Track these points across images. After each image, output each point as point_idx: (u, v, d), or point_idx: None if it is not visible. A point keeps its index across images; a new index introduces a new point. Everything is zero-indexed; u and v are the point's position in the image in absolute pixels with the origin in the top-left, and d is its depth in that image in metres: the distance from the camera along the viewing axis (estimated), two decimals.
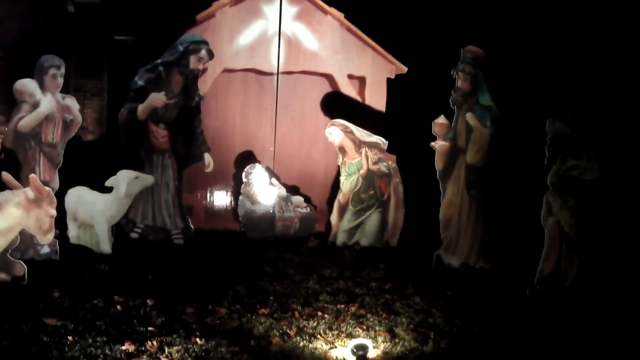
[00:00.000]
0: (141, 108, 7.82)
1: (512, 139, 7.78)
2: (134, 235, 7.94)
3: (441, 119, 7.82)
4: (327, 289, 6.25)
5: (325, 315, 5.47)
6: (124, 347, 4.49)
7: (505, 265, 7.22)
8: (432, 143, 7.85)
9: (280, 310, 5.53)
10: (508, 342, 5.09)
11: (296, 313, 5.48)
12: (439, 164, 7.87)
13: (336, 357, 4.65)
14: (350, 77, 9.42)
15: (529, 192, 7.20)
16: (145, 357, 4.39)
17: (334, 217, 8.68)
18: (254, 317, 5.27)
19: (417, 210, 8.57)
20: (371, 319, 5.43)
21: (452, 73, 7.77)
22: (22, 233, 5.92)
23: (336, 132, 8.52)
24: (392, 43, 9.59)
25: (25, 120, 6.56)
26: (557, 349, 4.98)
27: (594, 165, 6.17)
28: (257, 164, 8.99)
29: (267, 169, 9.06)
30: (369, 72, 9.42)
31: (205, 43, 8.02)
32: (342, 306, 5.74)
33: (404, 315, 5.56)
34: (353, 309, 5.67)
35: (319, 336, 4.99)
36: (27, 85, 6.68)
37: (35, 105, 6.61)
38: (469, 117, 7.58)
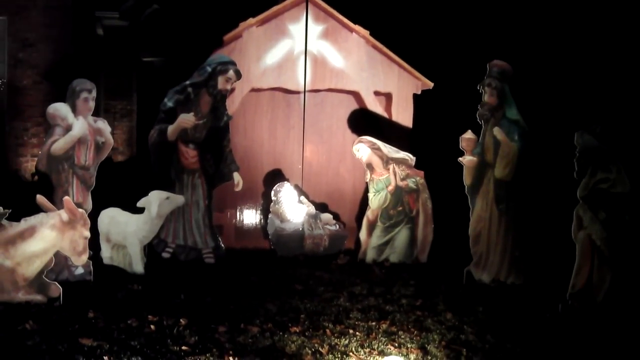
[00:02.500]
0: (171, 129, 7.93)
1: (540, 153, 7.75)
2: (165, 255, 8.02)
3: (468, 134, 7.82)
4: (357, 306, 6.26)
5: (357, 333, 5.47)
6: None
7: (536, 280, 7.17)
8: (460, 158, 7.85)
9: (311, 328, 5.55)
10: (541, 358, 5.06)
11: (328, 331, 5.49)
12: (467, 179, 7.86)
13: None
14: (377, 93, 9.46)
15: (559, 205, 7.16)
16: None
17: (363, 234, 8.68)
18: (286, 336, 5.29)
19: (446, 226, 8.56)
20: (403, 336, 5.42)
21: (478, 88, 7.78)
22: (57, 254, 6.04)
23: (364, 148, 8.55)
24: (418, 59, 9.62)
25: (59, 144, 6.68)
26: None
27: (623, 177, 6.12)
28: (285, 182, 9.04)
29: (296, 186, 9.10)
30: (395, 89, 9.45)
31: (233, 63, 8.12)
32: (374, 323, 5.74)
33: (435, 332, 5.54)
34: (384, 326, 5.67)
35: (351, 354, 4.99)
36: (59, 109, 6.80)
37: (68, 129, 6.73)
38: (497, 131, 7.57)
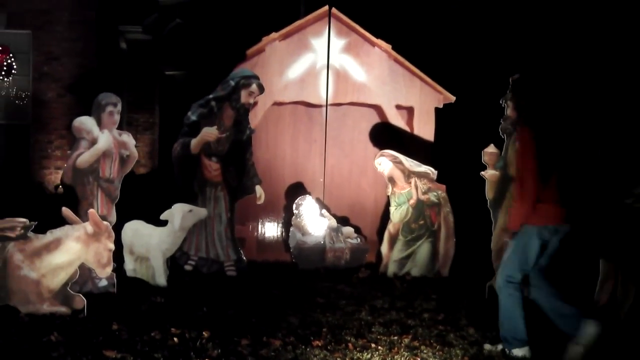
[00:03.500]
0: (194, 142, 7.98)
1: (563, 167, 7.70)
2: (188, 267, 8.06)
3: (491, 148, 7.81)
4: (379, 320, 6.25)
5: (379, 347, 5.46)
6: None
7: (559, 295, 7.11)
8: (483, 172, 7.83)
9: (334, 342, 5.53)
10: None
11: (350, 345, 5.48)
12: (489, 193, 7.83)
13: None
14: (399, 107, 9.48)
15: (582, 220, 7.10)
16: None
17: (384, 248, 8.68)
18: (308, 349, 5.28)
19: (468, 240, 8.53)
20: (425, 351, 5.40)
21: (501, 102, 7.76)
22: (81, 267, 6.09)
23: (385, 162, 8.56)
24: (440, 73, 9.63)
25: (84, 157, 6.75)
26: None
27: None
28: (307, 195, 9.07)
29: (317, 200, 9.13)
30: (417, 102, 9.46)
31: (256, 77, 8.17)
32: (396, 337, 5.72)
33: (458, 347, 5.51)
34: (406, 340, 5.65)
35: None
36: (85, 122, 6.87)
37: (93, 142, 6.79)
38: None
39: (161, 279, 7.26)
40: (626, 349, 5.54)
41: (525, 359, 5.32)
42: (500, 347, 5.43)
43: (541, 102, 5.74)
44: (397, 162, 8.54)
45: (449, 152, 9.63)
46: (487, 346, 5.49)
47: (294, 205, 8.95)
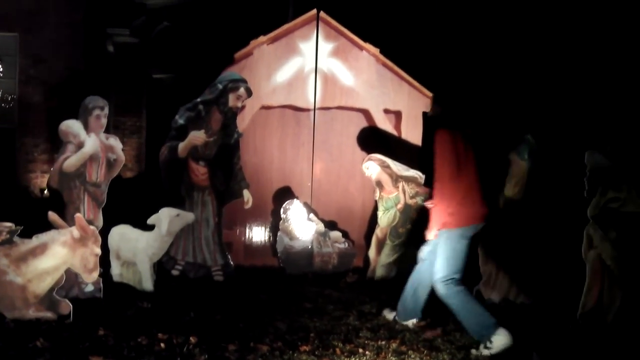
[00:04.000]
0: (182, 146, 7.96)
1: (550, 172, 7.75)
2: (175, 272, 8.03)
3: None
4: (367, 325, 6.24)
5: (367, 352, 5.45)
6: None
7: (546, 300, 7.14)
8: None
9: (321, 347, 5.53)
10: None
11: (337, 350, 5.47)
12: None
13: None
14: (387, 111, 9.49)
15: (569, 225, 7.14)
16: None
17: (372, 252, 8.69)
18: (295, 354, 5.28)
19: None
20: (413, 356, 5.40)
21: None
22: (67, 271, 6.06)
23: (373, 166, 8.56)
24: (428, 77, 9.64)
25: (70, 161, 6.71)
26: None
27: (634, 196, 6.11)
28: (295, 199, 9.06)
29: (305, 204, 9.11)
30: (405, 107, 9.47)
31: (244, 81, 8.16)
32: (383, 342, 5.72)
33: (445, 351, 5.52)
34: (394, 345, 5.65)
35: None
36: (71, 126, 6.82)
37: (80, 146, 6.75)
38: None
39: (148, 284, 7.23)
40: (613, 353, 5.56)
41: (508, 344, 5.42)
42: (484, 349, 5.45)
43: (461, 105, 5.90)
44: (384, 167, 8.54)
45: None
46: (474, 351, 5.50)
47: (282, 210, 8.93)
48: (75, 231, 5.84)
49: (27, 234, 5.93)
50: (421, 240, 6.05)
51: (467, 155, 5.72)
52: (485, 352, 5.43)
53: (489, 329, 5.50)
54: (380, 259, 8.59)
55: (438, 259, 5.72)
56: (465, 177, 5.65)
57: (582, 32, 10.04)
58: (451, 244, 5.66)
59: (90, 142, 6.78)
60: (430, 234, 5.81)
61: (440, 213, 5.66)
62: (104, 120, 6.96)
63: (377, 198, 8.72)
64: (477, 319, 5.58)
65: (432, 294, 5.96)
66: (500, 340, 5.45)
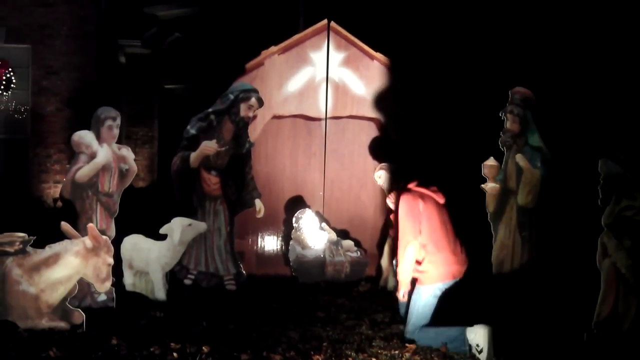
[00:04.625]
0: (194, 156, 7.97)
1: (563, 180, 7.71)
2: (187, 281, 8.03)
3: (491, 161, 7.81)
4: (380, 334, 6.21)
5: None
6: None
7: (561, 308, 7.09)
8: (483, 185, 7.83)
9: (334, 356, 5.51)
10: None
11: (350, 359, 5.45)
12: (489, 206, 7.84)
13: None
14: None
15: (583, 233, 7.09)
16: None
17: (384, 261, 8.64)
18: None
19: (468, 253, 8.48)
20: None
21: (500, 115, 7.78)
22: (80, 281, 6.05)
23: (385, 175, 8.53)
24: (439, 86, 9.63)
25: (83, 171, 6.73)
26: None
27: None
28: (307, 208, 9.04)
29: (317, 213, 9.10)
30: None
31: (255, 91, 8.18)
32: (397, 352, 5.68)
33: None
34: (407, 354, 5.61)
35: None
36: (84, 136, 6.86)
37: (93, 156, 6.78)
38: (519, 158, 7.57)
39: (160, 294, 7.23)
40: None
41: (486, 332, 5.52)
42: (479, 354, 5.46)
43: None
44: None
45: (449, 165, 9.58)
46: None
47: (294, 219, 8.92)
48: (87, 241, 5.85)
49: (40, 244, 5.95)
50: None
51: (436, 217, 5.93)
52: (482, 356, 5.50)
53: (460, 339, 5.66)
54: (393, 267, 8.54)
55: (410, 309, 5.95)
56: (435, 238, 5.86)
57: (592, 38, 10.01)
58: (423, 300, 5.89)
59: (102, 153, 6.81)
60: (400, 294, 6.02)
61: (404, 274, 5.88)
62: (116, 131, 6.99)
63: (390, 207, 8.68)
64: (447, 340, 5.71)
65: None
66: (477, 337, 5.56)
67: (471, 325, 5.68)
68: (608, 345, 5.91)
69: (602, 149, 6.49)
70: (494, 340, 5.54)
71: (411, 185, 5.99)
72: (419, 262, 5.86)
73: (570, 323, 6.51)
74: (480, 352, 5.52)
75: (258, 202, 8.41)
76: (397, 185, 6.14)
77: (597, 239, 6.20)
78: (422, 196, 5.92)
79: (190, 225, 7.31)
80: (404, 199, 5.88)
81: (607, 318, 6.07)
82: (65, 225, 6.02)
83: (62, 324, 5.84)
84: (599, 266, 6.16)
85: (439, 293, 5.89)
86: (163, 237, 7.30)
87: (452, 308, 6.05)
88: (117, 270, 6.89)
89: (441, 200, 6.03)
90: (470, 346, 5.59)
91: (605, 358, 5.65)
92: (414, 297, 5.93)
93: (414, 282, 5.97)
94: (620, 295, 6.06)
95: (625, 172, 6.12)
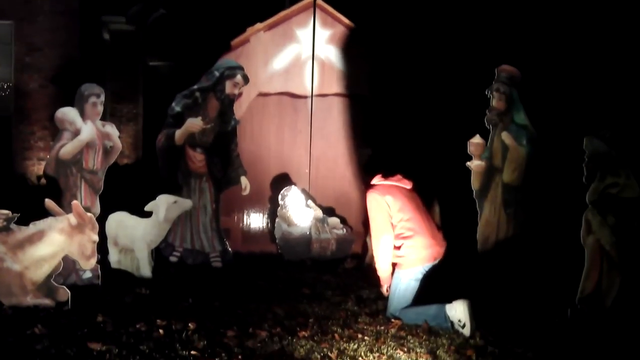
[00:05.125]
0: (179, 133, 7.93)
1: (549, 158, 7.75)
2: (173, 259, 8.01)
3: (477, 139, 7.83)
4: (366, 311, 6.25)
5: (366, 337, 5.46)
6: None
7: (545, 284, 7.15)
8: (468, 163, 7.85)
9: (320, 332, 5.53)
10: None
11: (336, 335, 5.47)
12: (475, 184, 7.87)
13: None
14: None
15: (567, 210, 7.14)
16: None
17: (370, 238, 8.66)
18: (294, 340, 5.28)
19: (454, 231, 8.52)
20: (412, 341, 5.41)
21: (486, 92, 7.79)
22: (65, 259, 6.03)
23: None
24: (425, 63, 9.61)
25: (67, 148, 6.68)
26: None
27: (633, 182, 6.09)
28: (292, 186, 9.02)
29: (303, 191, 9.09)
30: None
31: (241, 68, 8.13)
32: (382, 328, 5.72)
33: (444, 336, 5.52)
34: (393, 330, 5.65)
35: (360, 358, 4.98)
36: (68, 113, 6.80)
37: (76, 133, 6.73)
38: (505, 136, 7.58)
39: (146, 271, 7.22)
40: (611, 339, 5.57)
41: (465, 306, 5.63)
42: (462, 329, 5.58)
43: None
44: None
45: (434, 142, 9.60)
46: (464, 334, 5.56)
47: (280, 196, 8.91)
48: (72, 218, 5.82)
49: (24, 221, 5.90)
50: None
51: (408, 204, 5.99)
52: (465, 330, 5.58)
53: (441, 316, 5.75)
54: None
55: (391, 293, 6.05)
56: (411, 223, 5.93)
57: (578, 15, 10.01)
58: (403, 283, 5.97)
59: (86, 130, 6.76)
60: (383, 290, 6.15)
61: (383, 269, 6.01)
62: (100, 108, 6.94)
63: None
64: (429, 318, 5.80)
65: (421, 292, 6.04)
66: (457, 313, 5.65)
67: (450, 302, 5.72)
68: (591, 321, 5.97)
69: (588, 127, 6.51)
70: (474, 313, 5.59)
71: (375, 181, 6.06)
72: (397, 248, 5.94)
73: (554, 299, 6.57)
74: (463, 327, 5.57)
75: (244, 180, 8.39)
76: (370, 172, 6.19)
77: (582, 216, 6.24)
78: (388, 189, 5.98)
79: (175, 202, 7.29)
80: (370, 197, 5.97)
81: (590, 294, 6.13)
82: (49, 203, 5.99)
83: (47, 301, 5.82)
84: (583, 243, 6.22)
85: (420, 276, 5.96)
86: (148, 215, 7.28)
87: (433, 285, 6.09)
88: (102, 247, 6.87)
89: (408, 186, 6.08)
90: (452, 322, 5.64)
91: (588, 334, 5.71)
92: (394, 281, 6.00)
93: (394, 266, 6.01)
94: (604, 271, 6.12)
95: (610, 149, 6.15)
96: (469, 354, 5.14)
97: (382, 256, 5.95)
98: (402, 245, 5.90)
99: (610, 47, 9.55)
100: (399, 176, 6.06)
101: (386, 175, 6.04)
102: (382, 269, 6.00)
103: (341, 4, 9.38)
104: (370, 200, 5.96)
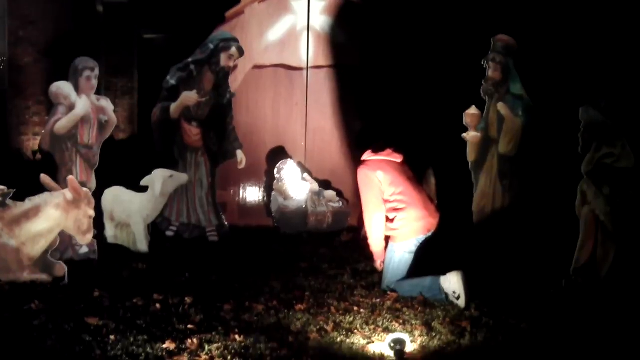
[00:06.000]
0: (174, 107, 7.90)
1: (544, 128, 7.73)
2: (169, 233, 8.03)
3: (472, 110, 7.81)
4: (361, 283, 6.28)
5: (361, 310, 5.49)
6: (165, 346, 4.54)
7: (540, 255, 7.17)
8: (464, 134, 7.84)
9: (316, 305, 5.56)
10: (545, 333, 5.08)
11: (332, 308, 5.50)
12: (471, 155, 7.86)
13: (374, 352, 4.67)
14: None
15: (563, 181, 7.14)
16: (186, 355, 4.44)
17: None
18: (290, 313, 5.30)
19: (450, 202, 8.53)
20: (407, 313, 5.44)
21: (482, 63, 7.75)
22: (61, 234, 6.05)
23: None
24: (421, 34, 9.54)
25: (62, 123, 6.66)
26: (595, 339, 4.95)
27: (628, 152, 6.08)
28: (288, 159, 9.01)
29: (299, 164, 9.08)
30: None
31: (235, 40, 8.08)
32: (378, 300, 5.75)
33: (439, 308, 5.55)
34: (388, 303, 5.68)
35: (356, 331, 5.01)
36: (62, 87, 6.77)
37: (71, 108, 6.71)
38: (501, 106, 7.56)
39: (142, 245, 7.23)
40: (606, 309, 5.60)
41: (460, 278, 5.66)
42: (457, 300, 5.63)
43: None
44: None
45: (430, 113, 9.57)
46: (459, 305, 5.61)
47: (276, 170, 8.90)
48: (68, 193, 5.82)
49: (20, 196, 5.91)
50: None
51: (400, 178, 5.98)
52: (459, 301, 5.61)
53: (435, 288, 5.75)
54: None
55: (385, 266, 6.06)
56: (404, 196, 5.92)
57: None
58: (397, 256, 5.99)
59: (81, 104, 6.73)
60: (377, 265, 6.19)
61: (375, 245, 6.04)
62: (95, 82, 6.91)
63: None
64: (423, 290, 5.81)
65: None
66: (452, 284, 5.67)
67: (444, 273, 5.73)
68: (586, 291, 6.00)
69: (583, 97, 6.49)
70: (469, 285, 5.61)
71: (365, 156, 6.04)
72: (391, 220, 5.94)
73: (549, 270, 6.60)
74: (457, 298, 5.60)
75: (240, 153, 8.37)
76: (360, 147, 6.17)
77: (577, 187, 6.24)
78: (379, 164, 5.96)
79: (171, 176, 7.29)
80: (361, 173, 5.97)
81: (585, 264, 6.15)
82: (45, 178, 5.99)
83: (44, 277, 5.85)
84: (578, 213, 6.23)
85: (414, 249, 5.98)
86: (144, 189, 7.29)
87: (429, 257, 6.11)
88: (98, 222, 6.88)
89: (399, 160, 6.06)
90: (446, 294, 5.67)
91: (583, 304, 5.74)
92: (388, 254, 6.02)
93: (387, 239, 6.03)
94: (599, 242, 6.13)
95: (606, 119, 6.14)
96: (464, 325, 5.17)
97: (374, 231, 5.96)
98: (395, 217, 5.91)
99: (605, 16, 9.49)
100: (389, 150, 6.03)
101: (376, 150, 6.01)
102: (375, 244, 6.02)
103: None
104: (361, 176, 5.96)
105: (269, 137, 9.36)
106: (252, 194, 9.33)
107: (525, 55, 7.84)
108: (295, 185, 8.80)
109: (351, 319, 5.26)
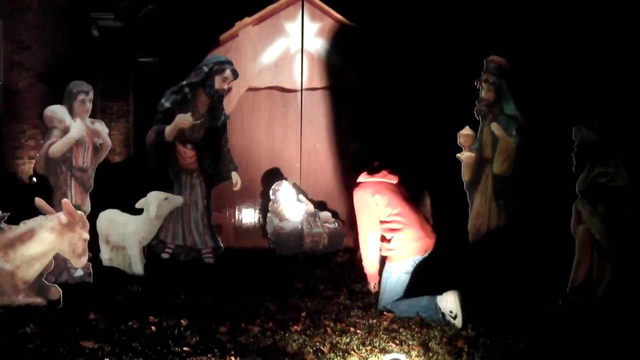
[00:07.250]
0: (168, 129, 7.92)
1: (538, 148, 7.76)
2: (165, 255, 8.01)
3: (466, 130, 7.84)
4: (358, 304, 6.26)
5: (358, 331, 5.48)
6: None
7: (536, 275, 7.17)
8: (458, 154, 7.86)
9: (312, 326, 5.55)
10: (542, 353, 5.07)
11: (329, 329, 5.49)
12: (465, 175, 7.88)
13: None
14: None
15: (557, 200, 7.15)
16: None
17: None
18: (287, 335, 5.29)
19: (445, 222, 8.54)
20: (404, 333, 5.42)
21: (475, 83, 7.79)
22: (56, 257, 6.03)
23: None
24: (414, 56, 9.61)
25: (56, 146, 6.67)
26: (592, 359, 4.94)
27: (622, 171, 6.10)
28: (283, 180, 9.03)
29: (294, 185, 9.09)
30: None
31: (230, 63, 8.12)
32: (374, 321, 5.74)
33: (436, 328, 5.54)
34: (385, 323, 5.67)
35: (352, 352, 4.99)
36: (56, 111, 6.78)
37: (66, 131, 6.71)
38: (494, 127, 7.59)
39: (138, 268, 7.21)
40: (603, 328, 5.59)
41: (456, 298, 5.65)
42: (453, 320, 5.60)
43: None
44: None
45: (425, 134, 9.60)
46: (456, 325, 5.58)
47: (271, 191, 8.91)
48: (62, 216, 5.81)
49: (14, 220, 5.89)
50: None
51: (396, 199, 5.98)
52: (456, 321, 5.60)
53: (432, 308, 5.75)
54: None
55: (382, 286, 6.04)
56: (401, 217, 5.92)
57: (566, 5, 10.02)
58: (394, 277, 5.98)
59: (75, 127, 6.74)
60: (370, 287, 6.20)
61: (370, 266, 6.03)
62: (89, 105, 6.91)
63: None
64: (419, 310, 5.81)
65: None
66: (449, 304, 5.66)
67: (440, 293, 5.73)
68: (583, 310, 5.99)
69: (577, 116, 6.52)
70: (465, 304, 5.61)
71: (361, 178, 6.06)
72: (387, 241, 5.95)
73: (545, 289, 6.59)
74: (454, 318, 5.59)
75: (235, 175, 8.38)
76: (356, 169, 6.19)
77: (572, 206, 6.25)
78: (374, 186, 5.97)
79: (166, 199, 7.28)
80: (357, 195, 5.97)
81: (581, 284, 6.15)
82: (39, 201, 5.97)
83: (39, 300, 5.82)
84: (574, 232, 6.23)
85: (410, 269, 5.97)
86: (139, 212, 7.27)
87: (425, 277, 6.10)
88: (93, 245, 6.86)
89: (395, 181, 6.08)
90: (443, 314, 5.66)
91: (580, 323, 5.73)
92: (384, 274, 6.01)
93: (384, 260, 6.02)
94: (595, 261, 6.13)
95: (599, 139, 6.17)
96: (461, 345, 5.16)
97: (369, 254, 5.96)
98: (392, 238, 5.91)
99: (598, 36, 9.56)
100: (384, 172, 6.05)
101: (371, 172, 6.02)
102: (369, 266, 6.02)
103: None
104: (357, 198, 5.96)
105: (264, 158, 9.37)
106: (248, 215, 9.32)
107: (518, 75, 7.89)
108: (291, 206, 8.81)
109: (348, 339, 5.24)
